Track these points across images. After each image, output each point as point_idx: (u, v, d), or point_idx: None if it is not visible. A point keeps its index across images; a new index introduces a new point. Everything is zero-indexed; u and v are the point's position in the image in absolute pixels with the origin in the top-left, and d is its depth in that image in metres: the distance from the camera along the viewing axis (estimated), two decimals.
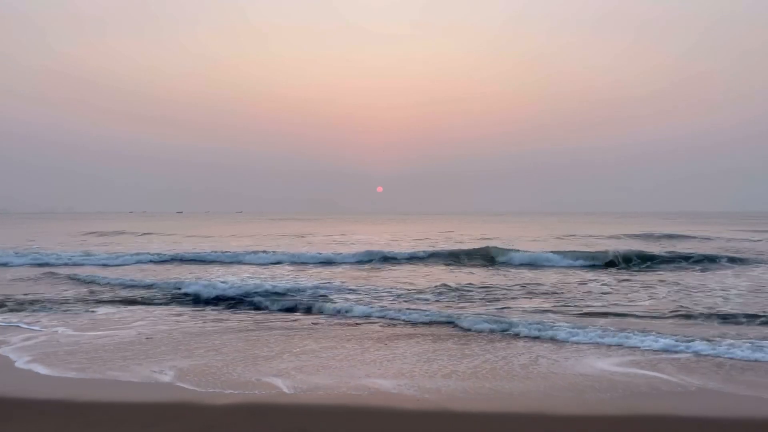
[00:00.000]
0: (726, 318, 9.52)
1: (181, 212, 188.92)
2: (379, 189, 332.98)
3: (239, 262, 20.70)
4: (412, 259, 21.00)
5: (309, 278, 15.80)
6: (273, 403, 5.55)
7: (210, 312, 10.92)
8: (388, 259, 20.69)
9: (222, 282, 13.62)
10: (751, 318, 9.42)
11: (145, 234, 41.45)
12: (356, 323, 9.71)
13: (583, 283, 14.67)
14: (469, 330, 8.81)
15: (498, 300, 11.90)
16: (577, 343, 7.87)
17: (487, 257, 20.60)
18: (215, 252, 23.35)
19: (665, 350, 7.38)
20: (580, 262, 19.19)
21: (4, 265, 19.28)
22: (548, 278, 15.64)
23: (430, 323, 9.48)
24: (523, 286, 14.05)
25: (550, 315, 10.00)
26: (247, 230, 49.63)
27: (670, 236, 33.74)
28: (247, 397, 5.74)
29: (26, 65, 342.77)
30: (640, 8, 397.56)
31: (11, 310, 10.76)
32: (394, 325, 9.47)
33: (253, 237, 37.87)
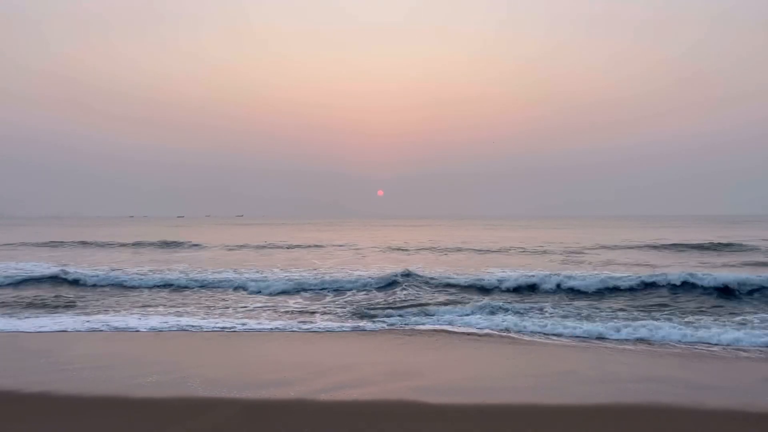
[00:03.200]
0: None
1: (182, 217, 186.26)
2: (380, 192, 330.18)
3: None
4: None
5: None
6: (278, 405, 5.79)
7: None
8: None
9: None
10: None
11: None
12: None
13: None
14: None
15: None
16: None
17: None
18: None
19: None
20: None
21: None
22: None
23: None
24: None
25: None
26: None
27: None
28: (252, 398, 6.03)
29: (26, 67, 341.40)
30: (638, 8, 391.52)
31: None
32: None
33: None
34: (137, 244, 34.99)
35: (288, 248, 31.50)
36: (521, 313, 11.41)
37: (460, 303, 12.81)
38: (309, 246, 32.83)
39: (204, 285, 16.05)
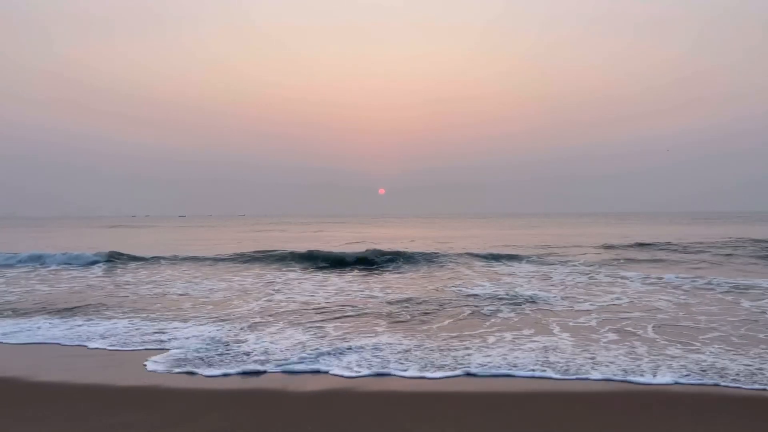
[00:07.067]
0: None
1: (184, 216, 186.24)
2: (381, 191, 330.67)
3: None
4: None
5: None
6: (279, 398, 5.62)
7: None
8: None
9: None
10: None
11: None
12: None
13: None
14: None
15: None
16: None
17: None
18: None
19: None
20: None
21: None
22: None
23: None
24: None
25: None
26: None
27: None
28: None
29: (29, 68, 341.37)
30: (639, 6, 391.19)
31: None
32: None
33: None
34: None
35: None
36: None
37: None
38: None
39: None
